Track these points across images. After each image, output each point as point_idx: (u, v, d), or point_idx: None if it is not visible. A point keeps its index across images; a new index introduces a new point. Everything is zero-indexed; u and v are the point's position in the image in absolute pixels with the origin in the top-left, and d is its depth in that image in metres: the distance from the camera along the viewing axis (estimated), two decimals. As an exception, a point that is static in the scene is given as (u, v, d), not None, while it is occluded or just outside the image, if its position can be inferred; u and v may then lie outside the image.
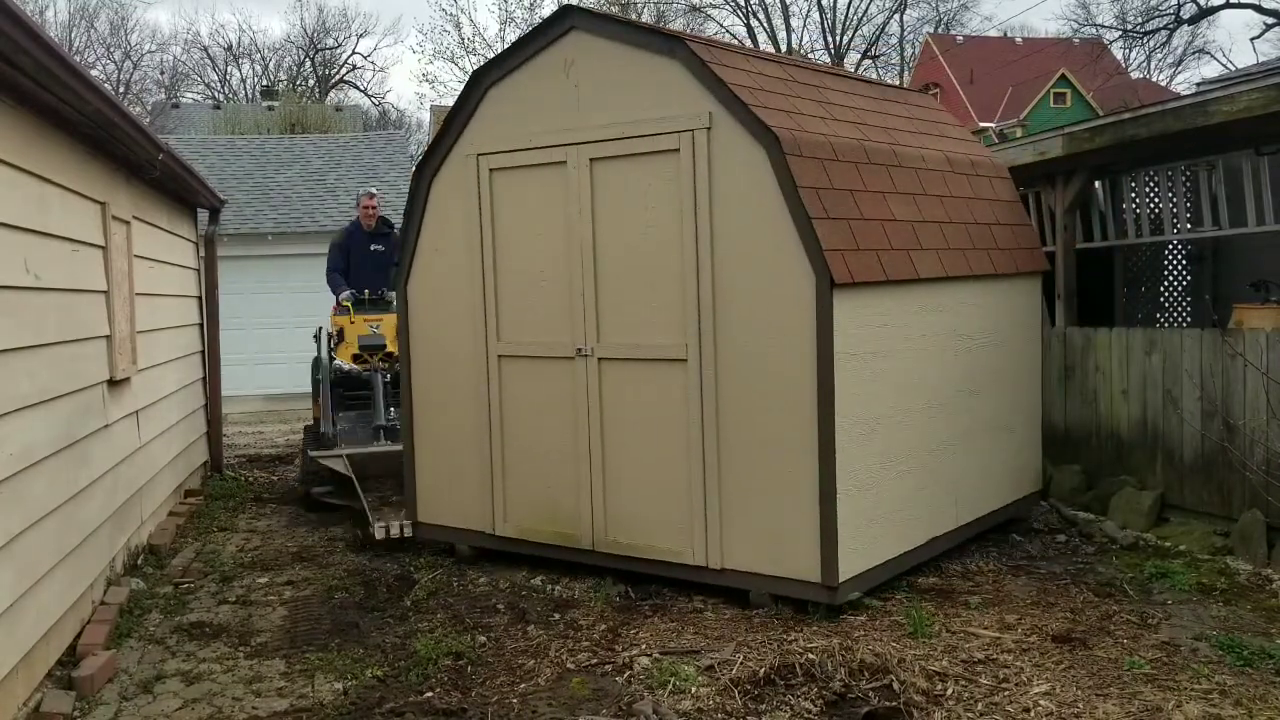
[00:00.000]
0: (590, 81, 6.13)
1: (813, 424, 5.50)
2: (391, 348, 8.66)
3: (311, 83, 50.20)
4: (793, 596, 5.64)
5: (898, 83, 49.69)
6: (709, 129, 5.68)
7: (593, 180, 6.11)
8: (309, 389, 9.53)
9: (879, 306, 5.83)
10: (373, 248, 9.49)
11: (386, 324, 8.81)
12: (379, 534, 7.02)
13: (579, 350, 6.25)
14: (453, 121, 6.66)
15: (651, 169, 5.92)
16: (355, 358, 8.77)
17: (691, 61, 5.74)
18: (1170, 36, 35.33)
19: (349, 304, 9.05)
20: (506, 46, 6.76)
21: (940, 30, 53.30)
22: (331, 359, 8.72)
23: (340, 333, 8.97)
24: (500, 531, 6.62)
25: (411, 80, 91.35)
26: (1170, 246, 10.37)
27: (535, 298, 6.41)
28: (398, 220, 8.57)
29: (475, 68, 6.49)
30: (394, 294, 9.07)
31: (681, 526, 5.93)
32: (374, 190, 9.82)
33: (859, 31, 44.41)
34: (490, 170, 6.48)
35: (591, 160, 6.10)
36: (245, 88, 51.06)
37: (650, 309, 6.00)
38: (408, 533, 7.03)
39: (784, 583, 5.66)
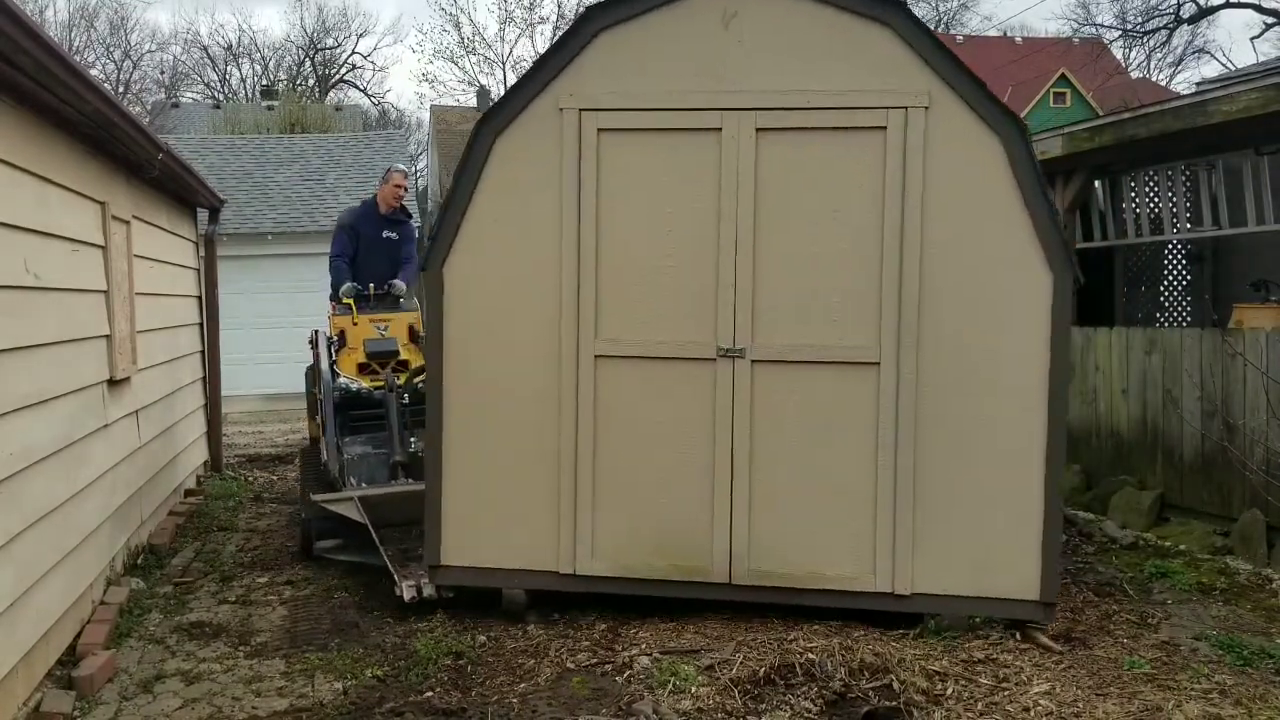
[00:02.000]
0: (761, 39, 5.33)
1: (1042, 432, 5.20)
2: (405, 354, 7.50)
3: (311, 82, 50.19)
4: (1001, 617, 5.33)
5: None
6: (927, 108, 5.18)
7: (757, 152, 5.32)
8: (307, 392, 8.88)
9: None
10: (386, 235, 8.01)
11: (396, 324, 7.67)
12: (408, 595, 5.72)
13: (723, 350, 5.40)
14: (543, 67, 5.49)
15: (845, 146, 5.28)
16: (362, 367, 7.42)
17: (910, 30, 5.19)
18: (1170, 36, 35.35)
19: (350, 300, 7.70)
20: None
21: (940, 30, 53.29)
22: (335, 374, 7.33)
23: (341, 336, 7.68)
24: (585, 570, 5.53)
25: (411, 80, 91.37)
26: (1170, 246, 10.37)
27: (656, 288, 5.46)
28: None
29: (587, 5, 5.39)
30: (403, 286, 7.91)
31: (860, 550, 5.36)
32: (404, 168, 8.35)
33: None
34: (599, 130, 5.42)
35: (759, 130, 5.31)
36: (245, 87, 51.07)
37: (831, 306, 5.33)
38: (447, 594, 5.72)
39: (990, 603, 5.30)
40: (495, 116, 5.52)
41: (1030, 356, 5.23)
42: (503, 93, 5.69)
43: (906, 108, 5.21)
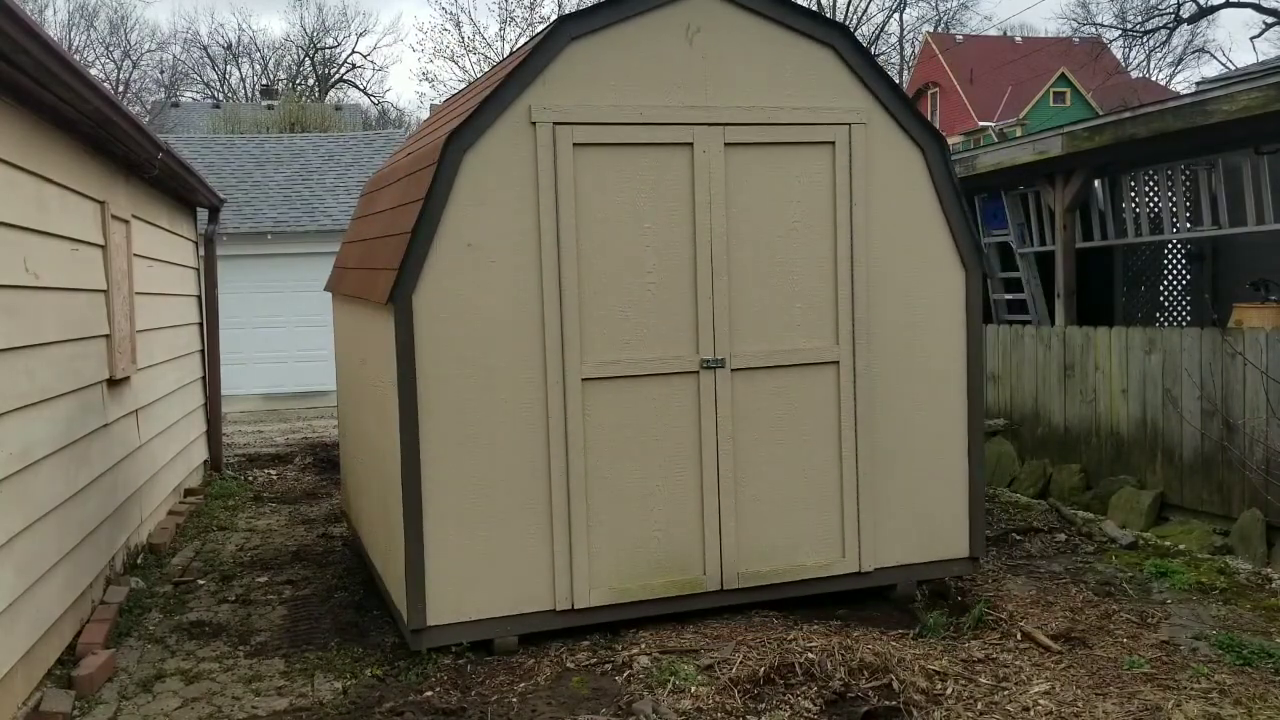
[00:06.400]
0: (722, 55, 5.46)
1: (963, 409, 5.95)
2: None
3: (311, 82, 50.22)
4: (939, 576, 5.99)
5: (897, 82, 49.85)
6: (865, 124, 5.66)
7: (727, 167, 5.48)
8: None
9: None
10: None
11: None
12: None
13: (705, 362, 5.48)
14: (513, 78, 5.17)
15: (800, 160, 5.60)
16: None
17: (851, 52, 5.65)
18: (1170, 36, 35.39)
19: None
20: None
21: (940, 29, 53.35)
22: None
23: None
24: (583, 602, 5.32)
25: (411, 79, 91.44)
26: (1170, 245, 10.38)
27: (640, 306, 5.42)
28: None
29: (559, 15, 5.07)
30: None
31: (831, 537, 5.73)
32: None
33: (858, 30, 44.44)
34: (574, 145, 5.24)
35: (727, 145, 5.46)
36: (245, 87, 51.11)
37: (794, 312, 5.65)
38: None
39: (933, 566, 5.96)
40: (464, 132, 5.12)
41: (950, 344, 5.94)
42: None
43: (850, 124, 5.66)
